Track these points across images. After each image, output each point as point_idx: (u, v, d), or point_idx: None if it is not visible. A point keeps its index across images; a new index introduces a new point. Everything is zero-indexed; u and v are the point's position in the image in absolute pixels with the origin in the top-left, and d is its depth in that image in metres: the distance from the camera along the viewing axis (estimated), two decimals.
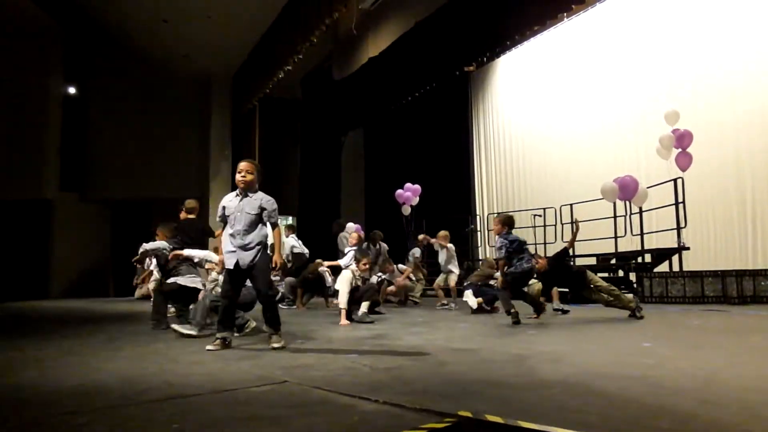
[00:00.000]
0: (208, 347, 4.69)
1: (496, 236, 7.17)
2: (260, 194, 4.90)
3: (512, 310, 6.60)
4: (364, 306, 7.34)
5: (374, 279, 11.21)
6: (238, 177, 4.85)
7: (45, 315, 10.16)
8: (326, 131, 19.89)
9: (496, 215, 7.45)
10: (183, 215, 7.83)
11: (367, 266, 7.84)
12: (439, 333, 5.79)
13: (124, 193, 18.17)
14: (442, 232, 10.16)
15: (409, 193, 13.53)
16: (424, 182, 14.02)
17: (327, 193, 19.31)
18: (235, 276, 4.81)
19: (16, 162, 16.84)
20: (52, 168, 17.55)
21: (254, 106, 17.93)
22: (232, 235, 4.80)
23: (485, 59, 16.73)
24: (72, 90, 17.92)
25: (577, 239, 11.73)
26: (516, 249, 6.92)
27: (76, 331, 6.81)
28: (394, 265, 10.99)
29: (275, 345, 4.67)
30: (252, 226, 4.79)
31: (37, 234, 17.22)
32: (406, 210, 13.84)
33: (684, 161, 10.27)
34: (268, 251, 4.90)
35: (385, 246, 11.27)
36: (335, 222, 11.50)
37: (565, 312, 7.81)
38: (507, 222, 7.10)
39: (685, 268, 10.16)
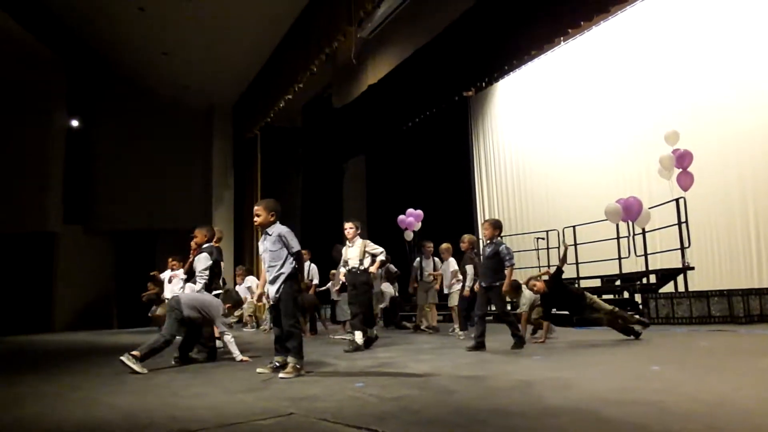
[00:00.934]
0: (259, 370, 5.02)
1: (489, 240, 6.86)
2: (277, 228, 5.09)
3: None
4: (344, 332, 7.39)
5: (387, 289, 11.17)
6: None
7: (49, 349, 10.11)
8: (327, 158, 20.01)
9: (483, 221, 7.15)
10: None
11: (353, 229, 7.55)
12: (446, 360, 5.75)
13: (128, 224, 18.22)
14: (445, 245, 9.94)
15: (412, 219, 13.50)
16: (426, 207, 14.03)
17: (329, 220, 19.35)
18: (273, 309, 5.14)
19: (20, 195, 16.90)
20: (56, 200, 17.60)
21: (256, 135, 18.07)
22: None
23: (484, 84, 16.86)
24: (75, 123, 18.05)
25: (581, 261, 11.83)
26: None
27: (80, 365, 6.78)
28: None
29: (283, 376, 4.68)
30: (275, 261, 5.01)
31: (41, 267, 17.23)
32: (409, 236, 13.80)
33: (685, 181, 10.27)
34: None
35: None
36: (335, 248, 11.41)
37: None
38: (499, 226, 6.99)
39: (690, 288, 10.09)
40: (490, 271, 6.75)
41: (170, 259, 11.92)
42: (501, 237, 7.01)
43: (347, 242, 7.61)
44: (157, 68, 16.68)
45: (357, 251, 7.50)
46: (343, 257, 7.63)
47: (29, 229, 17.09)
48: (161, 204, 18.17)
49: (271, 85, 15.69)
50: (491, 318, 12.91)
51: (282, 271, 4.97)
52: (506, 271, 6.60)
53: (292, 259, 5.00)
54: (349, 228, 7.54)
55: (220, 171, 19.22)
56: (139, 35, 14.98)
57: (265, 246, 5.10)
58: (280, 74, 14.94)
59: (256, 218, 5.14)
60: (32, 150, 17.32)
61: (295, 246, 5.02)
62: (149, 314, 14.10)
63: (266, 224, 5.12)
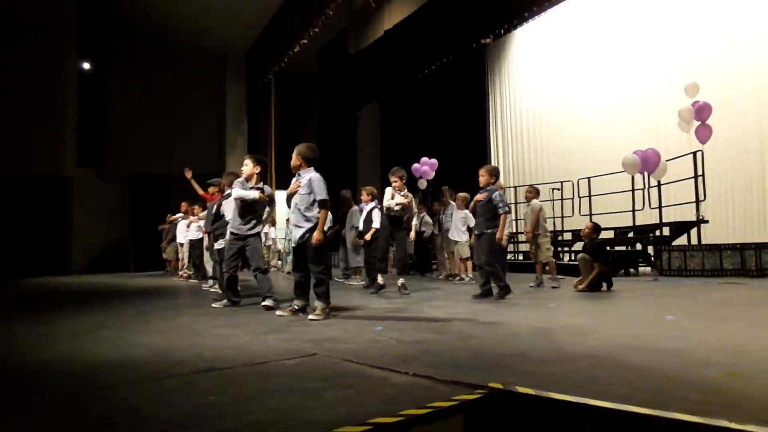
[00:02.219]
0: (279, 313, 5.17)
1: (487, 188, 6.63)
2: (308, 173, 5.17)
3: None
4: (401, 279, 7.50)
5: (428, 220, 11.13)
6: None
7: (71, 290, 10.33)
8: (342, 105, 19.87)
9: (483, 168, 6.80)
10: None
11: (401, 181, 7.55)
12: (461, 306, 5.84)
13: (142, 169, 18.28)
14: (462, 194, 9.77)
15: (426, 167, 13.47)
16: (441, 156, 13.97)
17: (343, 167, 19.33)
18: (296, 251, 5.22)
19: (34, 138, 16.91)
20: (70, 144, 17.65)
21: (270, 81, 17.92)
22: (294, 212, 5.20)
23: (502, 31, 16.51)
24: (87, 66, 17.95)
25: (594, 213, 11.81)
26: None
27: (105, 306, 6.94)
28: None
29: (313, 317, 4.82)
30: (302, 204, 5.09)
31: (56, 210, 17.43)
32: (423, 184, 13.80)
33: (703, 134, 10.14)
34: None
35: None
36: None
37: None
38: (496, 173, 6.83)
39: (703, 242, 10.11)
40: (482, 219, 6.66)
41: (183, 204, 12.11)
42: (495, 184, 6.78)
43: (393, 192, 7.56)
44: (170, 10, 16.42)
45: (405, 201, 7.55)
46: (385, 203, 7.60)
47: (43, 171, 17.19)
48: (175, 148, 18.16)
49: (285, 29, 15.46)
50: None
51: (311, 217, 5.05)
52: (500, 219, 6.46)
53: (317, 203, 5.05)
54: (396, 180, 7.48)
55: (234, 116, 19.16)
56: None
57: (296, 187, 5.18)
58: (296, 18, 14.70)
59: (292, 160, 5.28)
60: (44, 92, 17.24)
61: (320, 194, 5.05)
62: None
63: (295, 167, 5.23)
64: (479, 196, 6.69)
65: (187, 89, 18.81)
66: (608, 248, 7.86)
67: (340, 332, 4.11)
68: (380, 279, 7.70)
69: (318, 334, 4.06)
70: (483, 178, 6.72)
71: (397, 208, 7.46)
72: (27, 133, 16.82)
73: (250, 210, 5.95)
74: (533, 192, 8.66)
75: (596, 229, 7.86)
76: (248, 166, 6.07)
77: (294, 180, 5.27)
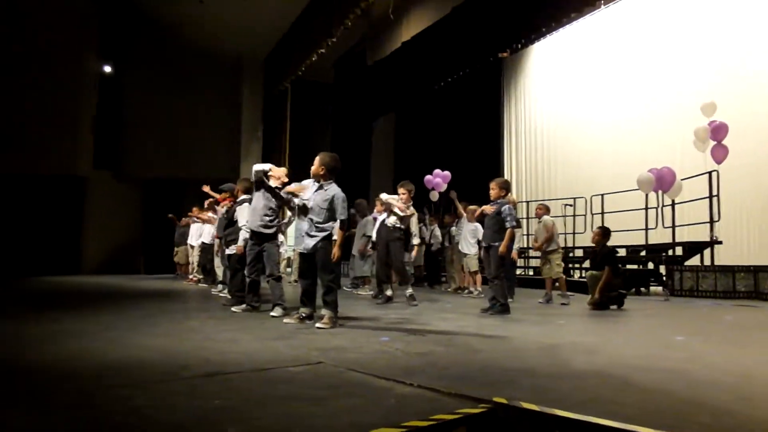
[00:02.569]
0: (286, 320, 5.18)
1: (497, 201, 6.63)
2: (333, 188, 5.20)
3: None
4: (409, 289, 7.49)
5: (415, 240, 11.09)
6: None
7: (81, 290, 10.39)
8: (357, 115, 19.95)
9: (494, 181, 6.80)
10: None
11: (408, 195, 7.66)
12: (469, 319, 5.82)
13: (157, 172, 18.39)
14: (472, 207, 9.82)
15: (439, 179, 13.48)
16: (454, 169, 13.97)
17: (356, 177, 19.37)
18: (305, 259, 5.28)
19: (51, 138, 17.02)
20: (87, 146, 17.79)
21: (286, 89, 18.02)
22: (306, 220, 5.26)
23: (520, 46, 16.56)
24: (107, 69, 18.13)
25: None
26: None
27: (113, 307, 6.97)
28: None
29: (320, 326, 4.84)
30: (320, 216, 5.15)
31: (70, 210, 17.54)
32: (435, 196, 13.79)
33: (719, 154, 10.08)
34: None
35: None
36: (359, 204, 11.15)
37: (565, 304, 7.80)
38: (506, 186, 6.83)
39: (716, 263, 10.02)
40: (489, 231, 6.66)
41: (195, 209, 12.14)
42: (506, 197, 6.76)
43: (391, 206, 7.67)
44: (191, 16, 16.57)
45: (405, 209, 7.62)
46: (387, 198, 7.73)
47: (59, 172, 17.33)
48: (190, 153, 18.27)
49: (304, 38, 15.57)
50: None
51: (325, 228, 5.11)
52: (506, 233, 6.41)
53: (338, 222, 5.10)
54: (404, 193, 7.60)
55: (250, 122, 19.28)
56: None
57: (315, 198, 5.22)
58: (314, 27, 14.80)
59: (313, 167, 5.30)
60: (64, 94, 17.39)
61: (344, 215, 5.12)
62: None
63: (315, 175, 5.26)
64: (487, 208, 6.70)
65: (204, 94, 18.94)
66: (617, 253, 7.76)
67: (347, 341, 4.11)
68: (388, 291, 7.71)
69: (325, 342, 4.06)
70: (494, 191, 6.73)
71: (395, 210, 7.51)
72: (46, 133, 16.97)
73: (268, 205, 6.00)
74: (543, 209, 8.66)
75: (605, 233, 7.73)
76: (281, 170, 6.24)
77: (309, 183, 5.32)
